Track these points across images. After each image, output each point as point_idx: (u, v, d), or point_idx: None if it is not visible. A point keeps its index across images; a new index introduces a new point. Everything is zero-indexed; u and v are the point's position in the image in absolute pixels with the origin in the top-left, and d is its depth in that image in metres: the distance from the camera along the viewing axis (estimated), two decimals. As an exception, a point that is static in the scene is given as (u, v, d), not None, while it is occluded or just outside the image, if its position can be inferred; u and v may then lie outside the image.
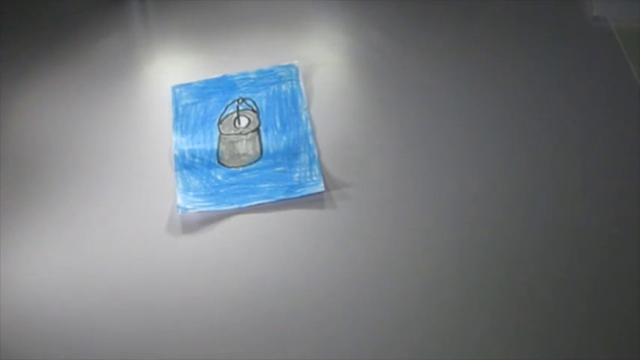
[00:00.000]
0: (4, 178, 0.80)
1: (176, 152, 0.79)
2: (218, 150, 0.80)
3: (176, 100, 0.84)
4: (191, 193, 0.76)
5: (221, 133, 0.81)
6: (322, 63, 0.86)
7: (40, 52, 0.91)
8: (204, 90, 0.85)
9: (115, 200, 0.77)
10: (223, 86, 0.85)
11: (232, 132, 0.81)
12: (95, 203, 0.76)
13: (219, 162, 0.79)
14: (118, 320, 0.68)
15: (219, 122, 0.82)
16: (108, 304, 0.69)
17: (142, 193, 0.77)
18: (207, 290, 0.69)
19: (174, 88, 0.85)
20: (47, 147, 0.82)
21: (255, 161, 0.79)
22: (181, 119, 0.83)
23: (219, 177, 0.77)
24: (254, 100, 0.84)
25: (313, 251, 0.71)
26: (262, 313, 0.67)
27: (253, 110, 0.83)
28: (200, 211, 0.74)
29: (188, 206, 0.74)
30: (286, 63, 0.86)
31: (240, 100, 0.84)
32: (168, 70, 0.89)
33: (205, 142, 0.80)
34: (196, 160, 0.79)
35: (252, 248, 0.72)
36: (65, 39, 0.92)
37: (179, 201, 0.75)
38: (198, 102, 0.84)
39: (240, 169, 0.78)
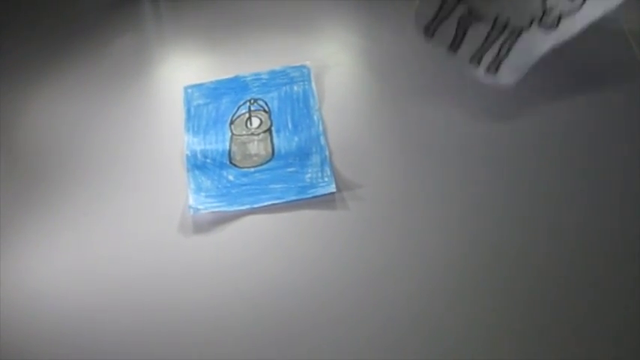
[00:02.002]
0: (17, 177, 0.80)
1: (188, 153, 0.80)
2: (230, 150, 0.80)
3: (188, 101, 0.85)
4: (203, 194, 0.76)
5: (233, 134, 0.82)
6: (334, 64, 0.86)
7: (53, 52, 0.92)
8: (216, 90, 0.85)
9: (127, 200, 0.77)
10: (235, 87, 0.85)
11: (244, 132, 0.82)
12: (106, 203, 0.77)
13: (231, 162, 0.79)
14: (129, 320, 0.68)
15: (231, 123, 0.82)
16: (118, 305, 0.69)
17: (153, 194, 0.77)
18: (219, 290, 0.69)
19: (186, 88, 0.86)
20: (59, 146, 0.82)
21: (267, 162, 0.79)
22: (193, 120, 0.83)
23: (230, 177, 0.78)
24: (266, 100, 0.84)
25: (324, 251, 0.71)
26: (274, 313, 0.67)
27: (265, 111, 0.83)
28: (212, 212, 0.74)
29: (200, 207, 0.75)
30: (298, 64, 0.87)
31: (252, 101, 0.84)
32: (181, 71, 0.89)
33: (217, 143, 0.81)
34: (208, 161, 0.79)
35: (264, 248, 0.72)
36: (78, 39, 0.93)
37: (191, 201, 0.75)
38: (210, 102, 0.84)
39: (252, 169, 0.78)
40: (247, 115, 0.83)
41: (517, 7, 0.71)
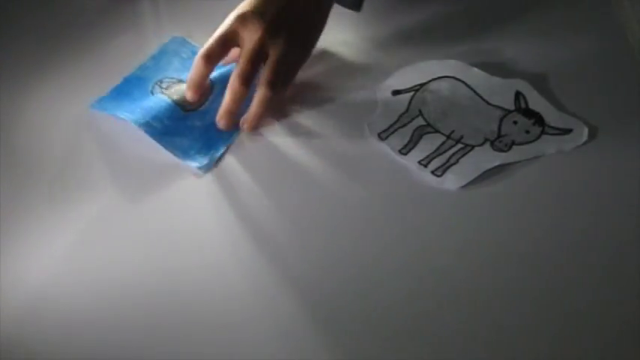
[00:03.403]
0: (15, 176, 0.74)
1: (144, 129, 0.74)
2: (175, 102, 0.77)
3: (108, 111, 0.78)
4: (192, 152, 0.74)
5: (164, 93, 0.78)
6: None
7: (51, 51, 0.86)
8: (120, 95, 0.80)
9: (125, 198, 0.72)
10: (133, 84, 0.81)
11: (172, 88, 0.79)
12: (104, 201, 0.72)
13: (185, 111, 0.76)
14: (127, 319, 0.63)
15: (153, 94, 0.79)
16: (116, 303, 0.64)
17: (152, 192, 0.73)
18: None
19: (92, 105, 0.78)
20: (57, 145, 0.77)
21: (211, 93, 0.78)
22: (125, 112, 0.76)
23: (197, 123, 0.75)
24: (169, 76, 0.83)
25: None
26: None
27: (177, 81, 0.81)
28: (216, 166, 0.73)
29: (205, 162, 0.73)
30: (167, 39, 0.86)
31: (159, 82, 0.82)
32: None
33: (158, 104, 0.76)
34: (166, 122, 0.75)
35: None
36: (76, 38, 0.87)
37: (191, 164, 0.72)
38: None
39: (207, 105, 0.77)
40: (165, 93, 0.79)
41: (472, 127, 0.77)
